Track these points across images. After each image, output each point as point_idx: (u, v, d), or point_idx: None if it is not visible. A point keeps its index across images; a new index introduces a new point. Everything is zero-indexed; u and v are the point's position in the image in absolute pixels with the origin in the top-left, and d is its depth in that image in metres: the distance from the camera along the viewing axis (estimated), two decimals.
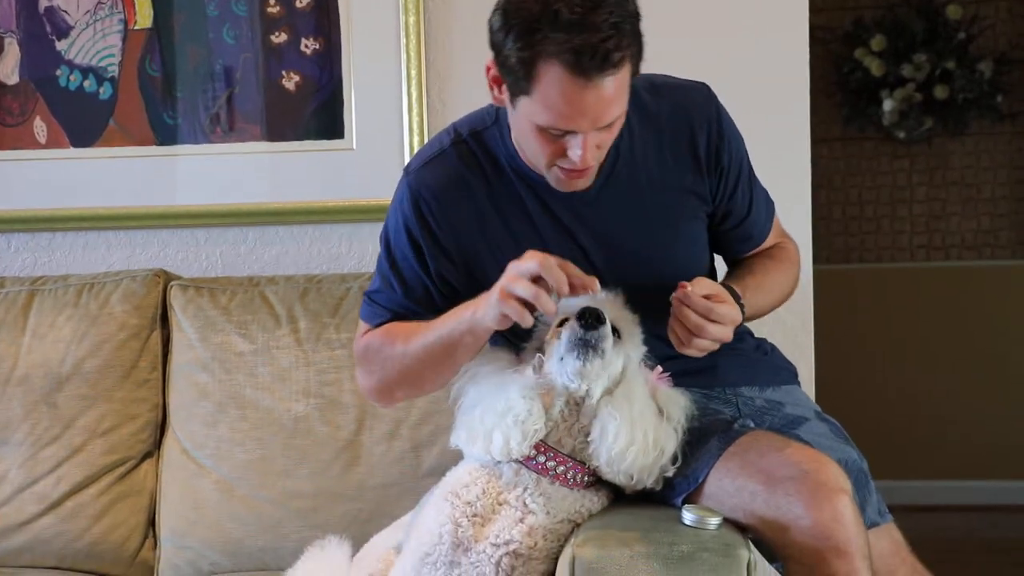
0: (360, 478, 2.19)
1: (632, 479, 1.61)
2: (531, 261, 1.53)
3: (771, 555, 1.63)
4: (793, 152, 2.42)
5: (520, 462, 1.63)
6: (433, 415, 2.18)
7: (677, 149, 1.74)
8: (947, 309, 4.58)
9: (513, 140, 1.71)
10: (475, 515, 1.61)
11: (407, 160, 2.41)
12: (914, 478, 4.46)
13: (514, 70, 1.53)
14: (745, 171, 1.81)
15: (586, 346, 1.55)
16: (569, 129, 1.55)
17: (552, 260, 1.52)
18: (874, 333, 4.60)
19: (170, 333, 2.34)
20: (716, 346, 1.63)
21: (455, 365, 1.69)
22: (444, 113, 2.46)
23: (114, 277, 2.38)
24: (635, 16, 1.54)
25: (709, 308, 1.60)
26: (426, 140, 2.42)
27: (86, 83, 2.56)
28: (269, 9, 2.51)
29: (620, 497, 1.67)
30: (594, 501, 1.65)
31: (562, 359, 1.58)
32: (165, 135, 2.55)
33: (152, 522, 2.29)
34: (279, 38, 2.51)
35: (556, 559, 1.58)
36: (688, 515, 1.53)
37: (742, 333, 1.83)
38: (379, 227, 1.84)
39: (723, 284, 1.72)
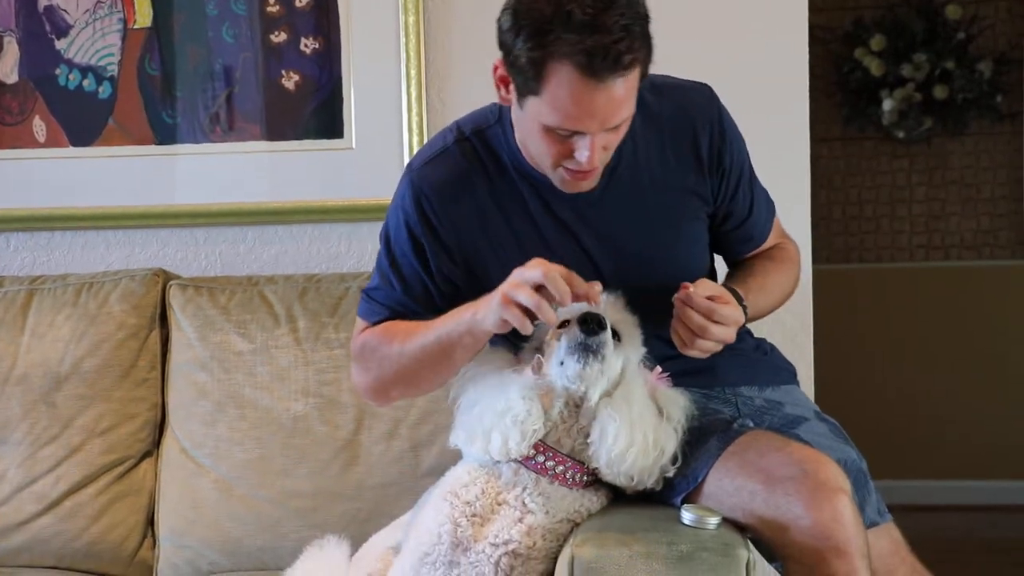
0: (359, 477, 2.19)
1: (632, 480, 1.61)
2: (536, 270, 1.52)
3: (770, 555, 1.63)
4: (793, 152, 2.42)
5: (519, 462, 1.63)
6: (432, 415, 2.18)
7: (679, 150, 1.74)
8: (946, 309, 4.59)
9: (517, 140, 1.71)
10: (474, 515, 1.61)
11: (407, 160, 2.42)
12: (913, 478, 4.46)
13: (523, 70, 1.53)
14: (746, 172, 1.82)
15: (587, 351, 1.56)
16: (577, 130, 1.55)
17: (556, 271, 1.52)
18: (873, 333, 4.60)
19: (169, 332, 2.34)
20: (719, 347, 1.63)
21: (452, 365, 1.69)
22: (444, 112, 2.46)
23: (113, 276, 2.38)
24: (645, 18, 1.54)
25: (712, 309, 1.60)
26: (426, 140, 2.42)
27: (85, 82, 2.56)
28: (269, 8, 2.51)
29: (619, 497, 1.67)
30: (593, 501, 1.65)
31: (562, 363, 1.58)
32: (164, 134, 2.54)
33: (151, 521, 2.29)
34: (279, 37, 2.51)
35: (555, 559, 1.58)
36: (687, 515, 1.53)
37: (742, 333, 1.83)
38: (378, 226, 1.84)
39: (725, 285, 1.72)
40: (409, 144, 2.47)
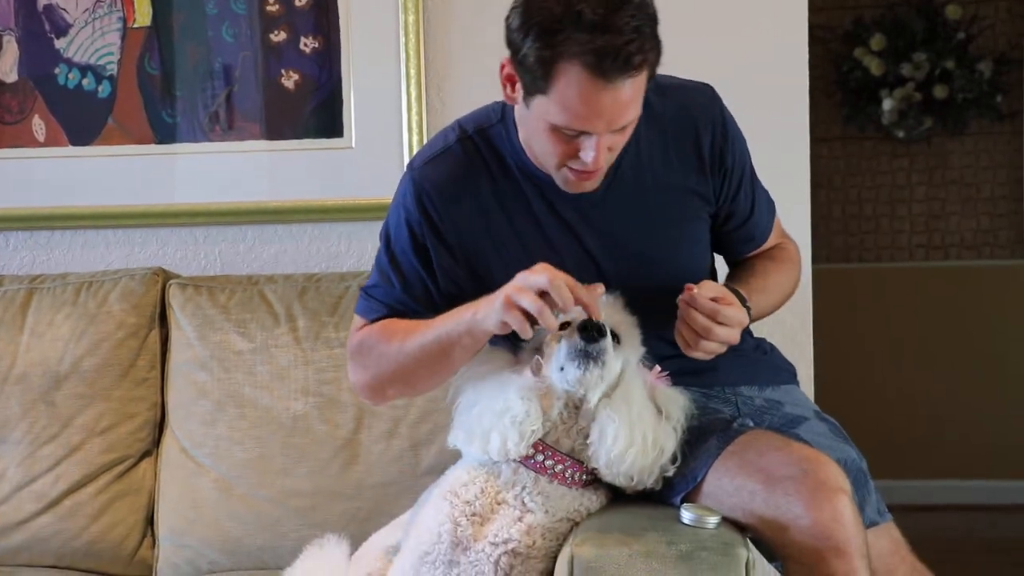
0: (359, 477, 2.19)
1: (632, 480, 1.61)
2: (541, 275, 1.52)
3: (770, 554, 1.63)
4: (792, 151, 2.42)
5: (518, 461, 1.62)
6: (432, 414, 2.17)
7: (682, 150, 1.74)
8: (946, 308, 4.59)
9: (521, 139, 1.71)
10: (474, 514, 1.61)
11: (406, 159, 2.42)
12: (913, 478, 4.46)
13: (532, 69, 1.53)
14: (748, 172, 1.82)
15: (587, 357, 1.56)
16: (584, 130, 1.55)
17: (561, 279, 1.52)
18: (873, 332, 4.60)
19: (169, 332, 2.34)
20: (723, 349, 1.63)
21: (451, 365, 1.68)
22: (443, 112, 2.46)
23: (113, 276, 2.38)
24: (655, 20, 1.54)
25: (716, 310, 1.60)
26: (425, 139, 2.42)
27: (85, 81, 2.56)
28: (268, 7, 2.51)
29: (619, 496, 1.67)
30: (593, 500, 1.65)
31: (563, 368, 1.58)
32: (164, 133, 2.54)
33: (151, 521, 2.29)
34: (278, 36, 2.51)
35: (555, 558, 1.58)
36: (687, 514, 1.53)
37: (742, 333, 1.83)
38: (378, 226, 1.84)
39: (727, 286, 1.72)
40: (409, 143, 2.47)
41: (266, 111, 2.52)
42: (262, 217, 2.55)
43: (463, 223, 1.73)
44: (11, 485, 2.26)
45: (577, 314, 1.57)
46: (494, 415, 1.59)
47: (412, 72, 2.47)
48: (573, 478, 1.63)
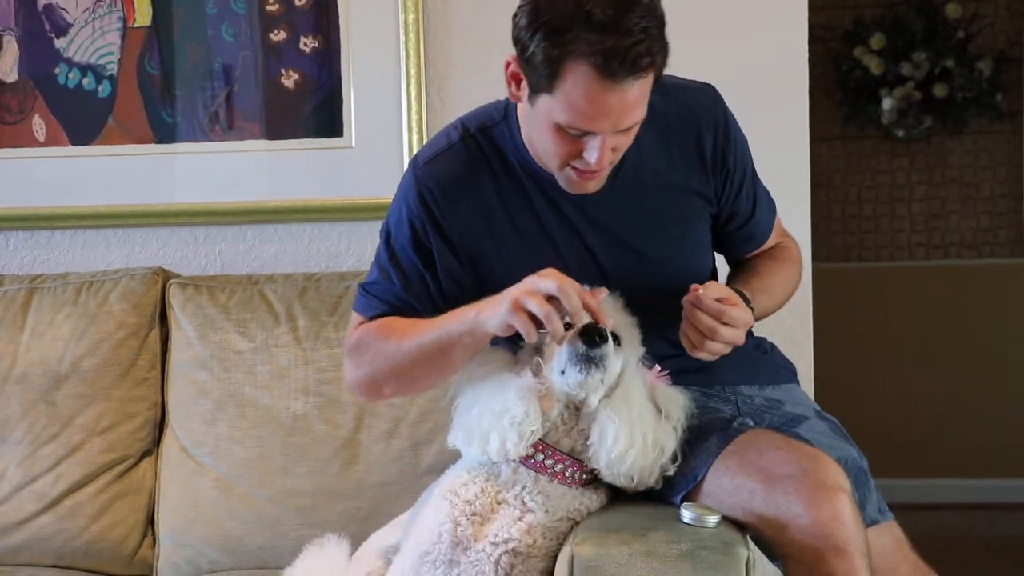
0: (359, 476, 2.19)
1: (633, 481, 1.61)
2: (551, 281, 1.52)
3: (771, 553, 1.63)
4: (792, 151, 2.42)
5: (518, 460, 1.62)
6: (432, 413, 2.18)
7: (684, 150, 1.74)
8: (946, 308, 4.59)
9: (524, 138, 1.71)
10: (474, 514, 1.61)
11: (406, 158, 2.42)
12: (913, 477, 4.46)
13: (538, 67, 1.53)
14: (749, 172, 1.82)
15: (589, 362, 1.56)
16: (589, 130, 1.55)
17: (571, 286, 1.52)
18: (873, 332, 4.60)
19: (169, 331, 2.34)
20: (727, 349, 1.63)
21: (449, 365, 1.68)
22: (443, 111, 2.46)
23: (113, 275, 2.38)
24: (663, 22, 1.54)
25: (721, 311, 1.60)
26: (425, 138, 2.42)
27: (85, 81, 2.56)
28: (268, 7, 2.51)
29: (619, 495, 1.67)
30: (592, 499, 1.65)
31: (564, 372, 1.58)
32: (164, 133, 2.54)
33: (151, 520, 2.29)
34: (278, 36, 2.51)
35: (555, 557, 1.58)
36: (687, 513, 1.53)
37: None
38: (378, 225, 1.83)
39: (731, 287, 1.72)
40: (409, 143, 2.47)
41: (266, 111, 2.52)
42: (262, 217, 2.55)
43: (465, 221, 1.73)
44: (11, 485, 2.26)
45: (578, 318, 1.56)
46: (493, 416, 1.59)
47: (412, 71, 2.47)
48: (573, 477, 1.63)
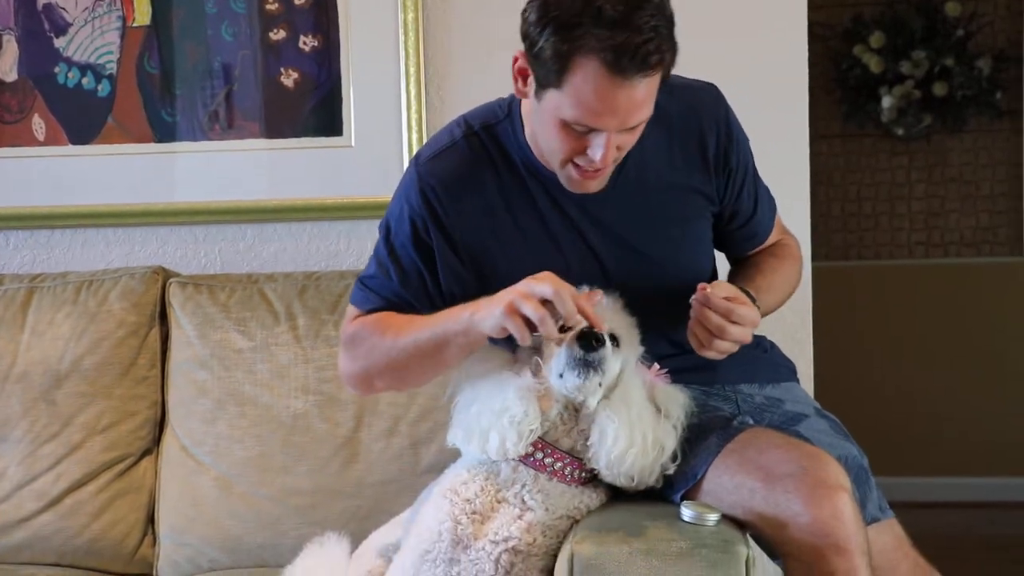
0: (359, 475, 2.19)
1: (633, 480, 1.61)
2: (546, 285, 1.52)
3: (771, 552, 1.63)
4: (792, 149, 2.42)
5: (518, 459, 1.63)
6: (432, 412, 2.18)
7: (686, 149, 1.74)
8: (945, 306, 4.59)
9: (527, 136, 1.71)
10: (474, 512, 1.61)
11: (406, 157, 2.42)
12: (912, 475, 4.46)
13: (547, 62, 1.53)
14: (751, 171, 1.82)
15: (587, 366, 1.56)
16: (595, 127, 1.55)
17: (567, 291, 1.52)
18: (873, 330, 4.60)
19: (169, 330, 2.34)
20: (735, 348, 1.63)
21: (443, 363, 1.68)
22: (443, 110, 2.46)
23: (113, 274, 2.38)
24: (672, 22, 1.54)
25: (730, 310, 1.60)
26: (425, 137, 2.42)
27: (84, 80, 2.56)
28: (268, 6, 2.51)
29: (618, 494, 1.67)
30: (592, 497, 1.65)
31: (562, 375, 1.58)
32: (164, 132, 2.55)
33: (151, 519, 2.29)
34: (278, 35, 2.51)
35: (555, 555, 1.59)
36: (687, 511, 1.53)
37: None
38: (378, 224, 1.83)
39: (736, 286, 1.72)
40: (408, 142, 2.47)
41: (265, 110, 2.52)
42: (262, 216, 2.55)
43: (467, 219, 1.73)
44: (12, 483, 2.26)
45: (573, 322, 1.56)
46: (492, 415, 1.59)
47: (412, 70, 2.47)
48: (572, 475, 1.63)
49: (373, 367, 1.75)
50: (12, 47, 2.57)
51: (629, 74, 1.49)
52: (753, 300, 1.68)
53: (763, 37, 2.42)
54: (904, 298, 4.63)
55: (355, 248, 2.54)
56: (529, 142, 1.71)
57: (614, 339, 1.60)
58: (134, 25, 2.54)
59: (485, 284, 1.65)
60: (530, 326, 1.52)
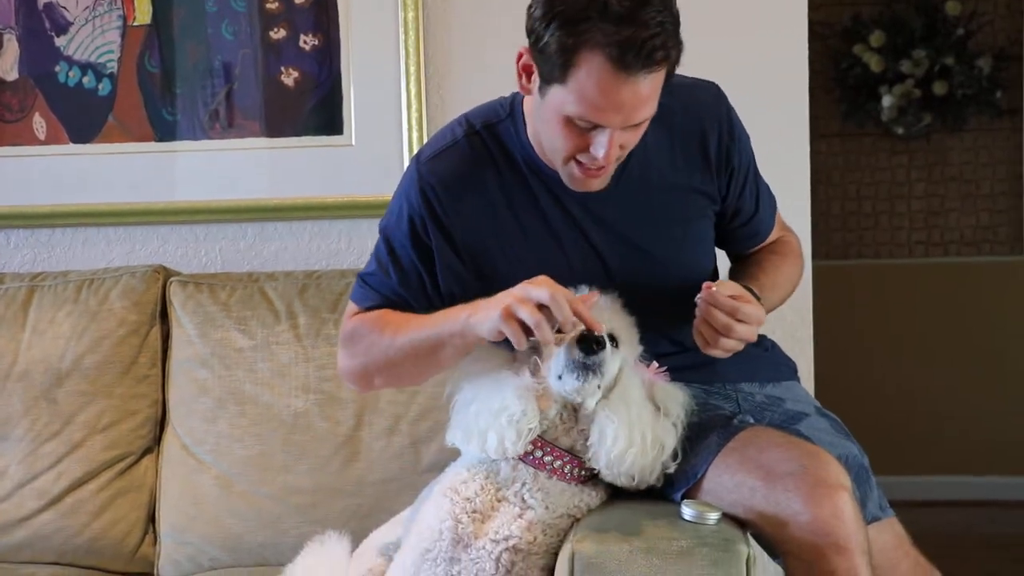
0: (359, 474, 2.19)
1: (634, 480, 1.61)
2: (543, 289, 1.51)
3: (771, 550, 1.63)
4: (792, 148, 2.43)
5: (517, 457, 1.63)
6: (432, 411, 2.18)
7: (688, 149, 1.74)
8: (945, 305, 4.59)
9: (530, 135, 1.71)
10: (475, 511, 1.61)
11: (406, 156, 2.42)
12: (912, 474, 4.46)
13: (552, 57, 1.52)
14: (752, 170, 1.82)
15: (585, 369, 1.55)
16: (599, 123, 1.55)
17: (563, 295, 1.51)
18: (873, 329, 4.60)
19: (170, 329, 2.35)
20: (741, 346, 1.63)
21: (438, 364, 1.68)
22: (443, 109, 2.46)
23: (114, 273, 2.38)
24: (677, 20, 1.54)
25: (736, 308, 1.60)
26: (426, 136, 2.42)
27: (85, 79, 2.56)
28: (268, 5, 2.51)
29: (619, 492, 1.67)
30: (592, 496, 1.65)
31: (561, 377, 1.58)
32: (164, 131, 2.55)
33: (152, 518, 2.29)
34: (278, 34, 2.51)
35: (556, 554, 1.59)
36: (687, 510, 1.53)
37: None
38: (378, 222, 1.84)
39: (740, 284, 1.72)
40: (409, 141, 2.47)
41: (266, 108, 2.52)
42: (262, 214, 2.55)
43: (469, 218, 1.73)
44: (13, 482, 2.26)
45: (569, 327, 1.56)
46: (491, 414, 1.59)
47: (412, 69, 2.47)
48: (572, 474, 1.63)
49: (371, 364, 1.76)
50: (13, 46, 2.57)
51: (634, 70, 1.49)
52: (758, 298, 1.68)
53: (763, 36, 2.42)
54: (904, 297, 4.63)
55: (356, 247, 2.54)
56: (531, 140, 1.71)
57: (612, 339, 1.60)
58: (135, 24, 2.54)
59: (485, 284, 1.65)
60: (526, 330, 1.51)
